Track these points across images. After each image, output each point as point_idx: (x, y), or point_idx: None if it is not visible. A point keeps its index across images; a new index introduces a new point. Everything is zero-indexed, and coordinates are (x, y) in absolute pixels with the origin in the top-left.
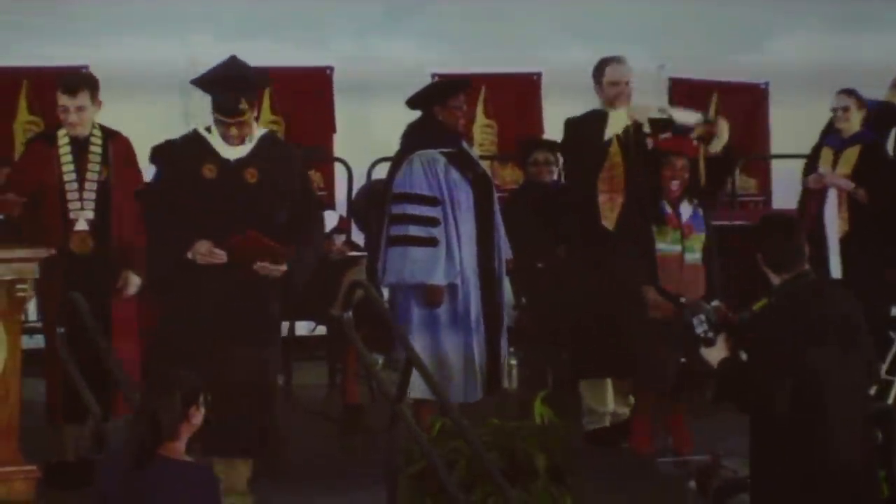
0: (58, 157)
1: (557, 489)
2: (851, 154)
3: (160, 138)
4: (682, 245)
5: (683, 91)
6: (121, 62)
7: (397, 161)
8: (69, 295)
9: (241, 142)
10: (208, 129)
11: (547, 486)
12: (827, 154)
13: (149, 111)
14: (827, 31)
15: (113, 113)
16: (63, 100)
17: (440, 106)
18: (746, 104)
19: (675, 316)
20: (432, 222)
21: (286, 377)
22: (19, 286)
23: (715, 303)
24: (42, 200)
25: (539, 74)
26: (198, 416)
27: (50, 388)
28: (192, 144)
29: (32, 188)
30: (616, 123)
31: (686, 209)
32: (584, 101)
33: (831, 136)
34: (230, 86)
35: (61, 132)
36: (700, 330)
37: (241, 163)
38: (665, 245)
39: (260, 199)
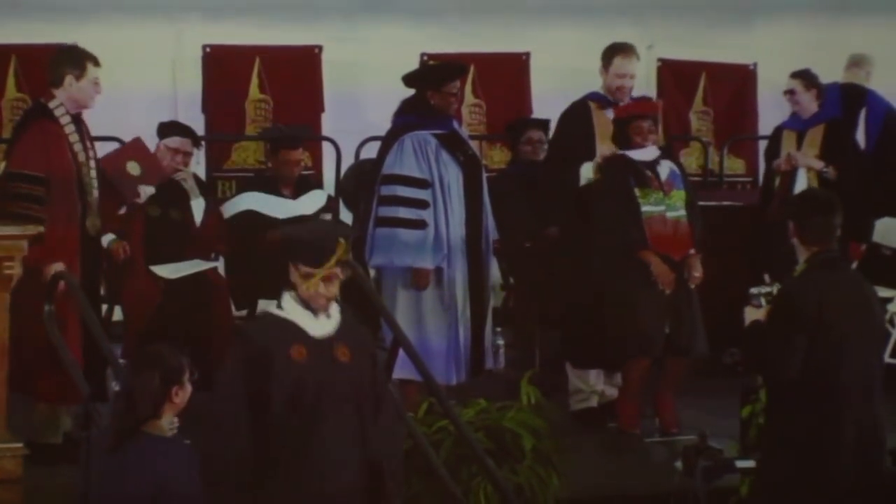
0: (66, 136)
1: (544, 469)
2: (816, 133)
3: (147, 117)
4: (665, 203)
5: (672, 72)
6: (108, 40)
7: (388, 141)
8: (58, 273)
9: (327, 309)
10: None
11: (533, 467)
12: (790, 136)
13: (136, 89)
14: (815, 12)
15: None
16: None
17: (434, 90)
18: (734, 84)
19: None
20: (422, 205)
21: None
22: (7, 264)
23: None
24: (58, 182)
25: (528, 54)
26: (181, 395)
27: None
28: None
29: (46, 169)
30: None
31: (664, 168)
32: (573, 82)
33: (790, 118)
34: (330, 227)
35: (57, 108)
36: (754, 291)
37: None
38: (649, 206)
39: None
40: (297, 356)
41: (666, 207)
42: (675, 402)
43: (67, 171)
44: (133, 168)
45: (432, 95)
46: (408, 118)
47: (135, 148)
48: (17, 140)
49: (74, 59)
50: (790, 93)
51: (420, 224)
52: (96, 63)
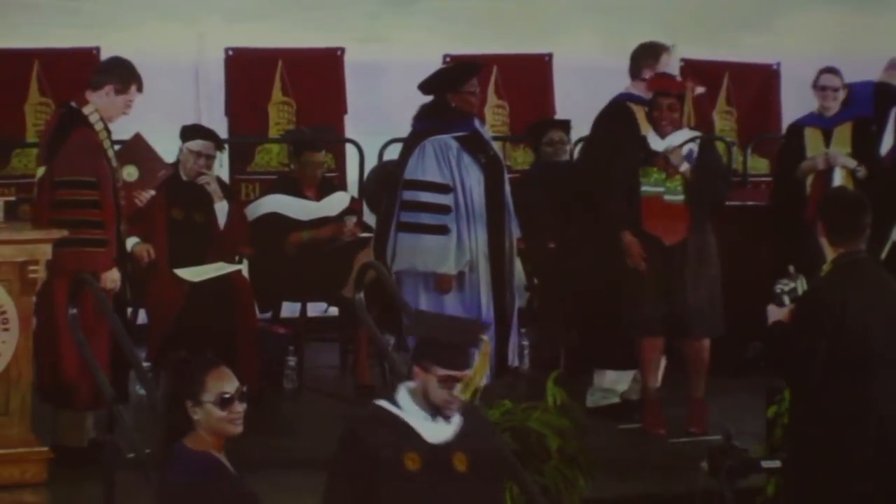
0: (101, 143)
1: (570, 470)
2: (844, 132)
3: (170, 121)
4: (665, 186)
5: (695, 71)
6: (131, 43)
7: (409, 146)
8: (79, 276)
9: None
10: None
11: (559, 467)
12: (815, 134)
13: (159, 93)
14: (839, 11)
15: None
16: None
17: (453, 92)
18: (758, 84)
19: (654, 261)
20: (444, 210)
21: (298, 358)
22: (31, 267)
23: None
24: (103, 189)
25: (550, 55)
26: (200, 413)
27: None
28: (384, 427)
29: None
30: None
31: (683, 149)
32: (596, 82)
33: (810, 116)
34: (464, 328)
35: (91, 114)
36: (778, 288)
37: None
38: (648, 186)
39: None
40: (410, 465)
41: (665, 190)
42: (702, 400)
43: (107, 177)
44: (130, 174)
45: (452, 97)
46: (428, 123)
47: (133, 149)
48: (62, 147)
49: (124, 75)
50: (834, 89)
51: (443, 229)
52: (140, 88)
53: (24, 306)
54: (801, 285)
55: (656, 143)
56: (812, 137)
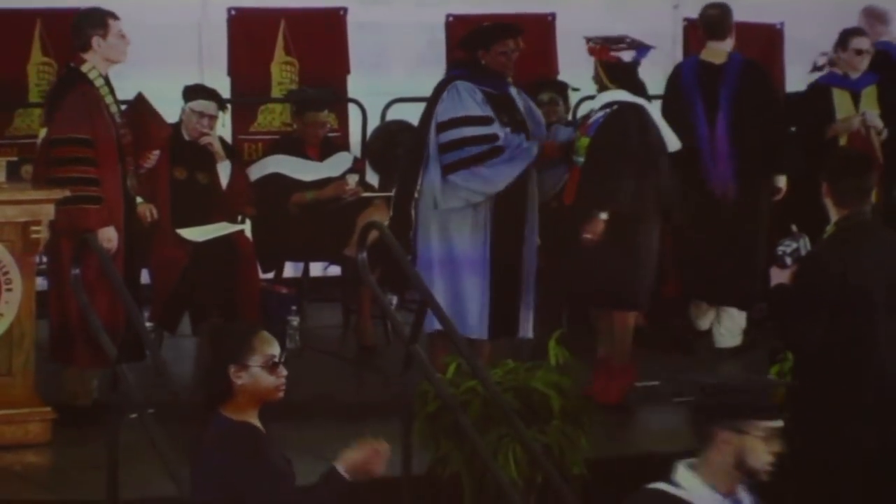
0: (103, 99)
1: (573, 430)
2: (871, 94)
3: (173, 80)
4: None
5: (698, 31)
6: (133, 3)
7: (438, 91)
8: (83, 237)
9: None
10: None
11: (562, 427)
12: (842, 95)
13: (162, 53)
14: None
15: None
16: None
17: (484, 50)
18: (761, 44)
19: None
20: (492, 139)
21: (300, 318)
22: (34, 228)
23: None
24: (103, 146)
25: (553, 15)
26: (244, 377)
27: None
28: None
29: (92, 132)
30: None
31: (598, 114)
32: None
33: (831, 76)
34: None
35: (90, 71)
36: (780, 250)
37: None
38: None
39: None
40: None
41: (574, 151)
42: (613, 370)
43: (108, 134)
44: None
45: (483, 55)
46: (459, 71)
47: (130, 112)
48: (59, 107)
49: (95, 19)
50: (868, 52)
51: (499, 151)
52: (115, 17)
53: (26, 266)
54: (803, 246)
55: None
56: (840, 98)
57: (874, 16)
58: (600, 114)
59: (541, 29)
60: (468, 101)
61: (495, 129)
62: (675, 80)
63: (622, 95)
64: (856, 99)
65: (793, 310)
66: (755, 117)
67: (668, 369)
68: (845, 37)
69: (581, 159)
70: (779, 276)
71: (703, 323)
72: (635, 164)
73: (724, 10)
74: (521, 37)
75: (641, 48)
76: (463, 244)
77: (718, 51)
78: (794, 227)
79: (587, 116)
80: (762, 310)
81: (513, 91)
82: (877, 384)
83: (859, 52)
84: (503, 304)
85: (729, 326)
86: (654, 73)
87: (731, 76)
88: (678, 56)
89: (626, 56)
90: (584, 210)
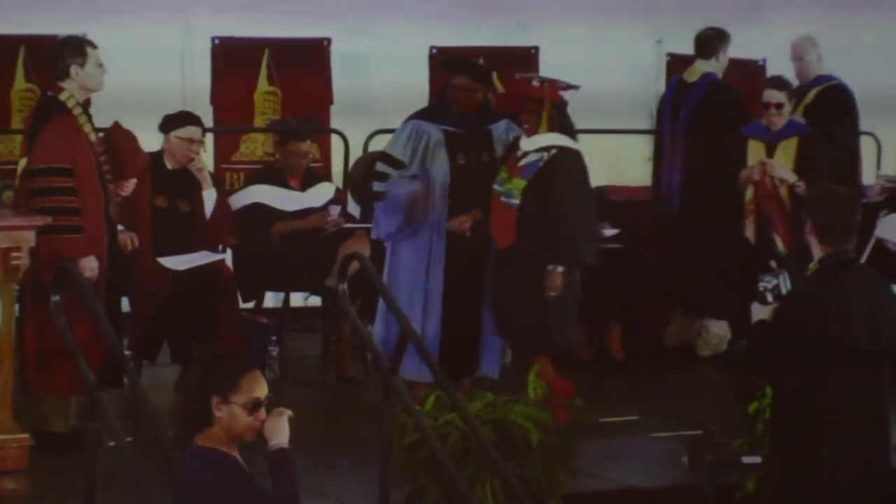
0: (81, 127)
1: (551, 464)
2: (789, 146)
3: (156, 109)
4: (505, 187)
5: (682, 66)
6: (118, 31)
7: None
8: (63, 264)
9: None
10: None
11: (541, 461)
12: (757, 146)
13: (145, 81)
14: (824, 8)
15: (108, 82)
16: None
17: (450, 84)
18: (743, 79)
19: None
20: (384, 178)
21: (280, 349)
22: (14, 254)
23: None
24: (84, 174)
25: (537, 48)
26: (224, 410)
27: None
28: None
29: (72, 161)
30: None
31: (533, 156)
32: (581, 76)
33: (754, 126)
34: None
35: (68, 99)
36: (761, 286)
37: None
38: (496, 185)
39: None
40: None
41: (504, 192)
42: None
43: (89, 161)
44: None
45: (447, 88)
46: (425, 108)
47: (106, 140)
48: (38, 136)
49: (73, 48)
50: (777, 106)
51: (379, 196)
52: (93, 45)
53: (6, 293)
54: (783, 282)
55: (524, 143)
56: (754, 149)
57: (792, 55)
58: (536, 156)
59: (525, 61)
60: (399, 140)
61: (395, 173)
62: (661, 98)
63: (559, 140)
64: (770, 150)
65: (775, 347)
66: (709, 129)
67: (648, 403)
68: (762, 87)
69: (516, 201)
70: (760, 313)
71: (704, 349)
72: (590, 213)
73: (718, 33)
74: (485, 77)
75: (575, 88)
76: (407, 276)
77: (697, 69)
78: (772, 264)
79: (516, 156)
80: (742, 345)
81: (498, 129)
82: (857, 420)
83: (766, 106)
84: (457, 341)
85: (707, 339)
86: (637, 107)
87: (698, 91)
88: (660, 89)
89: (568, 96)
90: (526, 252)
